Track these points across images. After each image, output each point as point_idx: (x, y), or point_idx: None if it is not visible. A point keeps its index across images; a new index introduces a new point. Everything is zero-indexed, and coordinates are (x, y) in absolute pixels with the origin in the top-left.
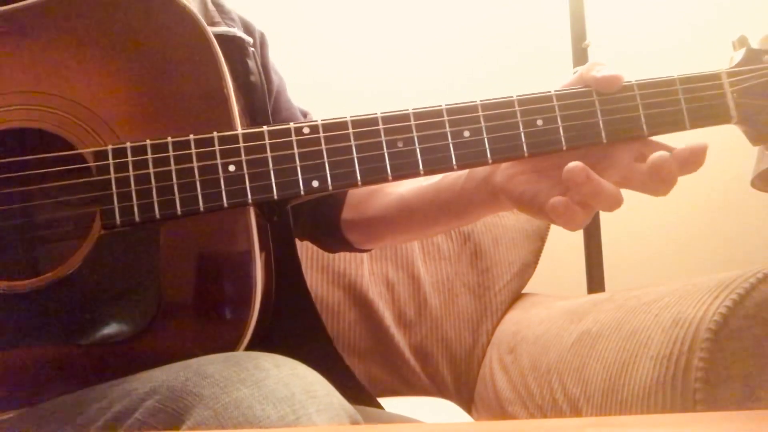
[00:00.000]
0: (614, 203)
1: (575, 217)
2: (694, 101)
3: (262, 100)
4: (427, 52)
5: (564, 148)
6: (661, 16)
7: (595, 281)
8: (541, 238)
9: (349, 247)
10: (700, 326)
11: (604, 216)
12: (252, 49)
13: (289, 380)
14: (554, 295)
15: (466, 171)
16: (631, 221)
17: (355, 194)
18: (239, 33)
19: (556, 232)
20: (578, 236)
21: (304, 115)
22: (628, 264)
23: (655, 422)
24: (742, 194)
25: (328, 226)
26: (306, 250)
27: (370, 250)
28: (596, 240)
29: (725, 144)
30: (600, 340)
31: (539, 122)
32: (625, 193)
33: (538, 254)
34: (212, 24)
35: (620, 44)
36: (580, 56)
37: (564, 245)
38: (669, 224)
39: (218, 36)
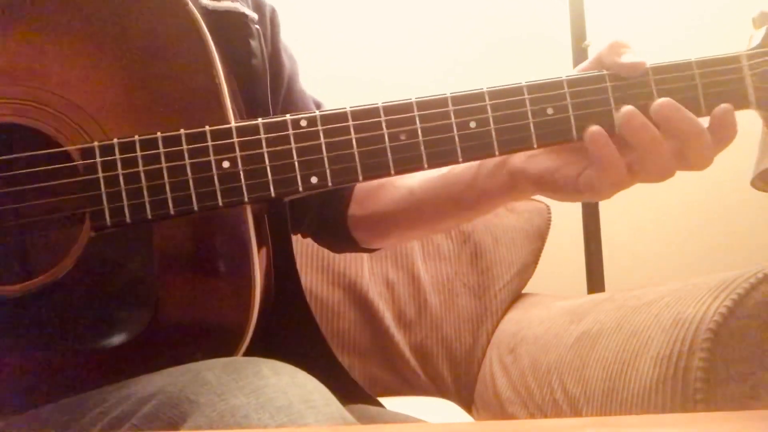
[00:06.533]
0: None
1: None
2: (711, 86)
3: (264, 88)
4: (422, 50)
5: (575, 138)
6: (660, 16)
7: (595, 281)
8: (541, 238)
9: (355, 246)
10: (700, 326)
11: (604, 216)
12: (256, 26)
13: (287, 389)
14: (554, 295)
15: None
16: (631, 221)
17: (362, 189)
18: (242, 8)
19: (556, 232)
20: (578, 236)
21: (318, 106)
22: (628, 264)
23: (655, 422)
24: (742, 194)
25: (335, 223)
26: (306, 250)
27: (376, 250)
28: (596, 240)
29: None
30: (600, 340)
31: (549, 111)
32: (625, 193)
33: (538, 254)
34: None
35: None
36: (580, 56)
37: (564, 245)
38: (669, 224)
39: (218, 12)
